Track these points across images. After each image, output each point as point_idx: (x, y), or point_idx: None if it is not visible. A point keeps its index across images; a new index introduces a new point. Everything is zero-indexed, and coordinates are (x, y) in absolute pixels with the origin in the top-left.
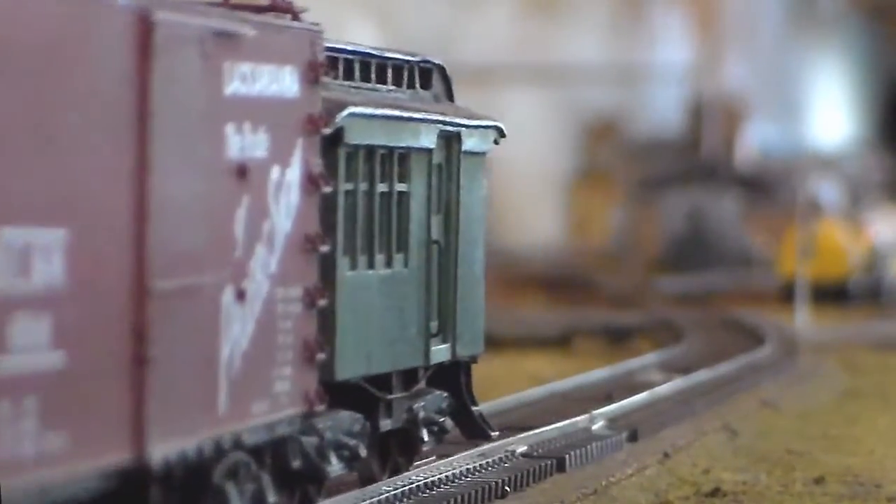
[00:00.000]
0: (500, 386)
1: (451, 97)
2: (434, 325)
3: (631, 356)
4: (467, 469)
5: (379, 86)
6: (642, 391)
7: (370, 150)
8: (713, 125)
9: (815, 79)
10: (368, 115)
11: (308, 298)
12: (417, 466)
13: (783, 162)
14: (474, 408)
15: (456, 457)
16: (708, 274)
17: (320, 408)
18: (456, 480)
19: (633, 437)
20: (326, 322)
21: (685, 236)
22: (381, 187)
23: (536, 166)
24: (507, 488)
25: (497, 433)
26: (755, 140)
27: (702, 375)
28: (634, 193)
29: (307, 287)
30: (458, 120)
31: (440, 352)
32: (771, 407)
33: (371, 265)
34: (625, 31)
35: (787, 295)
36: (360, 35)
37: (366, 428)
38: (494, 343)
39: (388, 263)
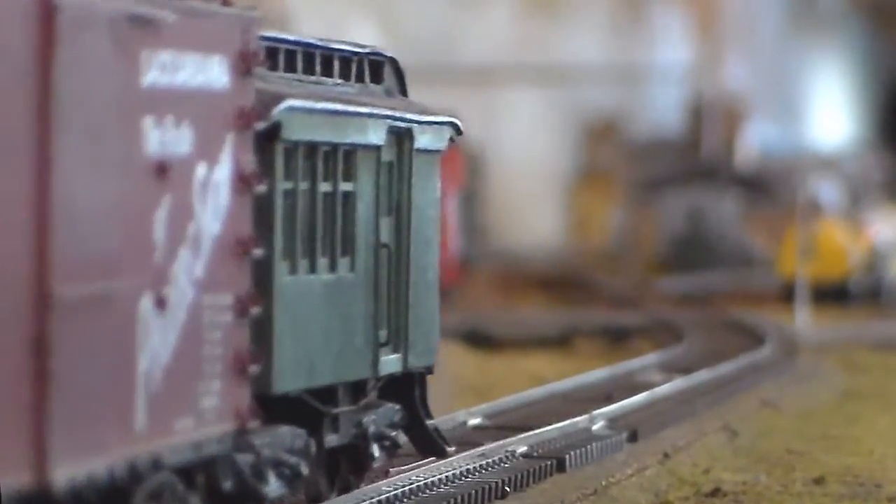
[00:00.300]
0: (500, 386)
1: (404, 92)
2: (383, 333)
3: (631, 356)
4: (467, 469)
5: (324, 79)
6: (642, 391)
7: (312, 146)
8: (713, 125)
9: (815, 79)
10: (309, 109)
11: (240, 306)
12: (418, 465)
13: (783, 162)
14: (429, 421)
15: (456, 457)
16: (708, 274)
17: (253, 424)
18: (456, 480)
19: (633, 438)
20: (262, 331)
21: (685, 236)
22: (325, 186)
23: (536, 166)
24: (507, 488)
25: (453, 448)
26: (755, 140)
27: (702, 375)
28: (634, 193)
29: (239, 294)
30: (409, 116)
31: (390, 362)
32: (771, 407)
33: (313, 270)
34: (625, 31)
35: (787, 295)
36: (360, 35)
37: (309, 444)
38: (494, 343)
39: (333, 268)
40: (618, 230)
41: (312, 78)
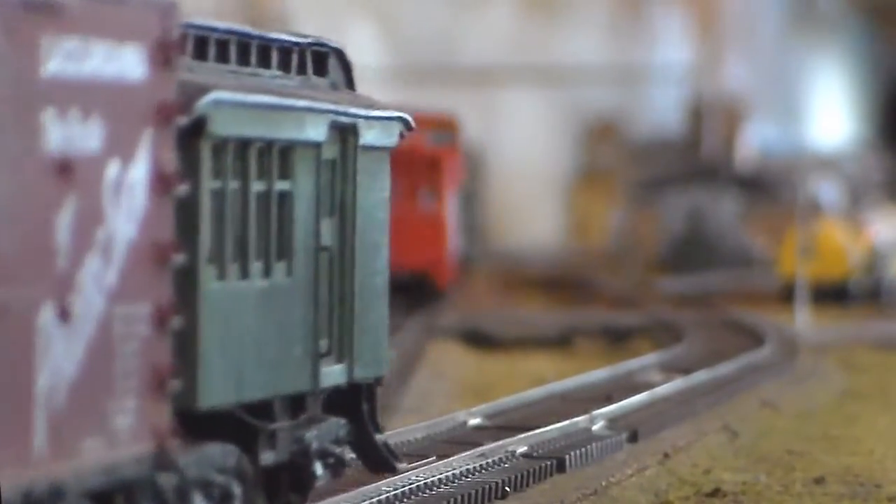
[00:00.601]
0: (500, 386)
1: (351, 85)
2: (324, 343)
3: (631, 356)
4: (467, 469)
5: (261, 70)
6: (642, 391)
7: (243, 142)
8: (713, 125)
9: (815, 79)
10: (239, 103)
11: (159, 316)
12: (418, 466)
13: (783, 162)
14: (378, 436)
15: (456, 457)
16: (708, 274)
17: (174, 443)
18: (456, 481)
19: (633, 438)
20: (186, 342)
21: (685, 236)
22: (258, 186)
23: (536, 166)
24: (507, 489)
25: (404, 464)
26: (755, 140)
27: (702, 375)
28: (634, 194)
29: (158, 303)
30: (354, 110)
31: (333, 374)
32: (771, 407)
33: (244, 275)
34: (625, 31)
35: (787, 295)
36: (359, 35)
37: (241, 463)
38: (494, 343)
39: (267, 273)
40: (618, 230)
41: (248, 70)
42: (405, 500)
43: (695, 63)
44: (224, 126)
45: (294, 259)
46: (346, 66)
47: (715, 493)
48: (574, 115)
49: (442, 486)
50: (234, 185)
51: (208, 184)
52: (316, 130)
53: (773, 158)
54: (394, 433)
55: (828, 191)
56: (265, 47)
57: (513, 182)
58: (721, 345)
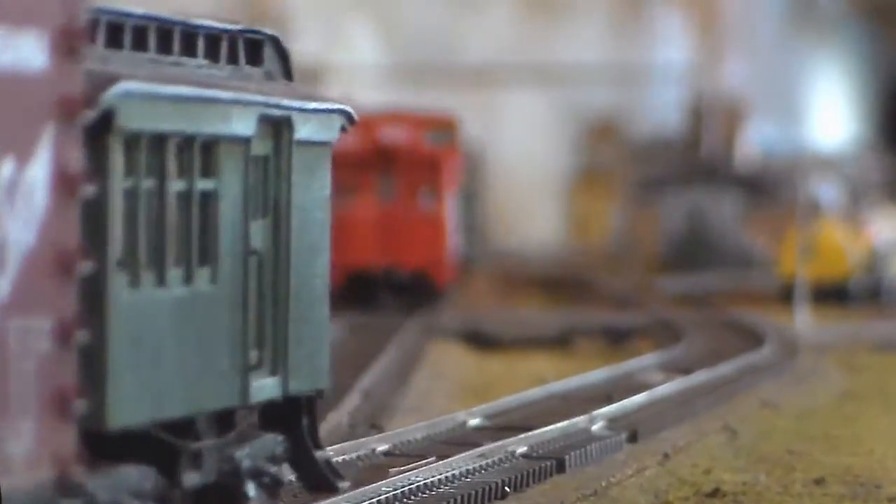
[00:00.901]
0: (500, 386)
1: (289, 75)
2: (255, 354)
3: (631, 356)
4: (467, 469)
5: (185, 59)
6: (642, 391)
7: (159, 138)
8: (713, 125)
9: (815, 79)
10: (154, 94)
11: (61, 331)
12: (418, 466)
13: (783, 162)
14: (318, 453)
15: (456, 457)
16: (708, 274)
17: (79, 468)
18: (456, 481)
19: (633, 438)
20: (93, 358)
21: (685, 236)
22: (178, 185)
23: (536, 166)
24: (507, 489)
25: (346, 484)
26: (755, 140)
27: (702, 375)
28: (634, 193)
29: (60, 317)
30: (288, 102)
31: (265, 388)
32: (771, 407)
33: (161, 283)
34: (625, 31)
35: (787, 295)
36: (359, 35)
37: (160, 485)
38: (494, 343)
39: (188, 280)
40: (618, 230)
41: (170, 59)
42: (405, 500)
43: (695, 63)
44: (136, 119)
45: (219, 264)
46: (283, 55)
47: (715, 493)
48: (574, 114)
49: (442, 486)
50: (148, 184)
51: (118, 183)
52: (244, 124)
53: (773, 158)
54: (394, 433)
55: (828, 191)
56: (190, 35)
57: (513, 182)
58: (721, 345)
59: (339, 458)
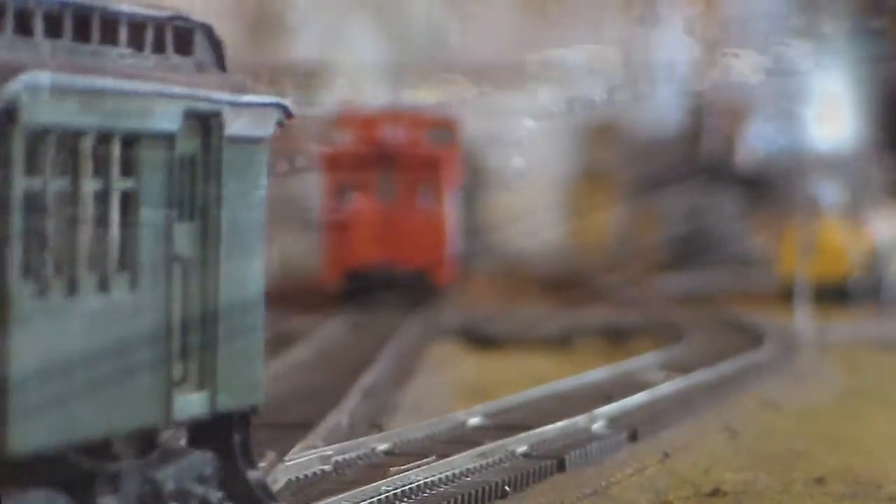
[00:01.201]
0: (500, 386)
1: (222, 66)
2: (179, 368)
3: (631, 356)
4: (467, 469)
5: (105, 48)
6: (642, 391)
7: (71, 133)
8: (713, 125)
9: (815, 78)
10: (64, 86)
11: None
12: (418, 466)
13: (783, 162)
14: (251, 473)
15: (456, 456)
16: (708, 273)
17: None
18: (456, 480)
19: (633, 437)
20: None
21: (685, 236)
22: (93, 185)
23: (537, 166)
24: (507, 488)
25: None
26: (755, 140)
27: (702, 375)
28: (634, 193)
29: None
30: (219, 95)
31: (191, 404)
32: (771, 407)
33: (72, 291)
34: (625, 30)
35: (787, 295)
36: (359, 34)
37: None
38: (494, 343)
39: (104, 288)
40: (618, 230)
41: (89, 47)
42: (405, 499)
43: (695, 62)
44: (43, 113)
45: (139, 271)
46: (215, 45)
47: (715, 492)
48: (574, 114)
49: (442, 485)
50: (58, 183)
51: (21, 183)
52: (167, 119)
53: (774, 158)
54: (394, 432)
55: (828, 191)
56: (110, 21)
57: (513, 181)
58: (721, 344)
59: (340, 458)
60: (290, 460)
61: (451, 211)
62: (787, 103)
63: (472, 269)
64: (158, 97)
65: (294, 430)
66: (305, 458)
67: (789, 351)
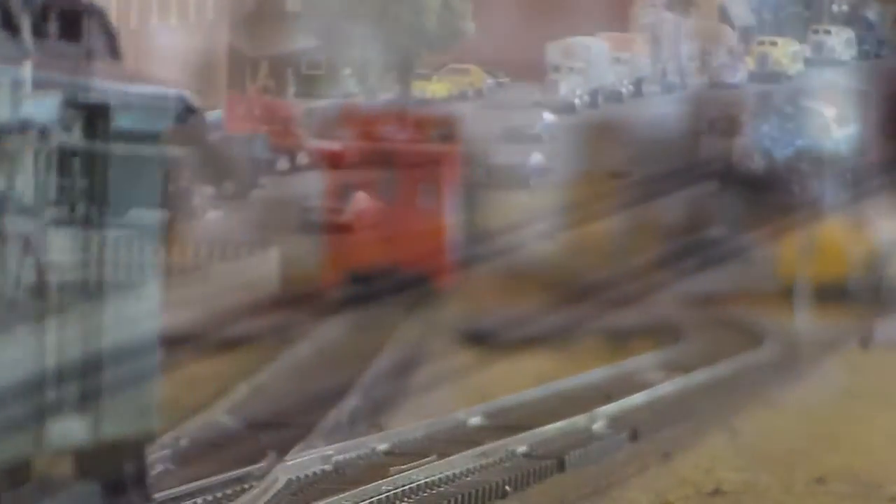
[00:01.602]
0: (500, 386)
1: (115, 54)
2: (54, 394)
3: (631, 356)
4: (467, 469)
5: None
6: (642, 391)
7: None
8: (713, 124)
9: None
10: None
11: None
12: (418, 465)
13: (783, 162)
14: None
15: (456, 456)
16: (708, 273)
17: None
18: (456, 480)
19: (634, 437)
20: None
21: (685, 236)
22: None
23: (536, 165)
24: (507, 488)
25: None
26: (755, 140)
27: (702, 375)
28: (634, 193)
29: None
30: (106, 85)
31: (69, 432)
32: (771, 407)
33: None
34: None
35: (787, 294)
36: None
37: None
38: (494, 343)
39: None
40: (618, 230)
41: None
42: (405, 499)
43: (695, 61)
44: None
45: (5, 283)
46: (108, 31)
47: (716, 492)
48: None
49: (442, 485)
50: None
51: None
52: (41, 109)
53: (774, 158)
54: (394, 432)
55: (828, 190)
56: None
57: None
58: (721, 344)
59: (340, 458)
60: (290, 460)
61: (451, 210)
62: (788, 103)
63: (473, 269)
64: (33, 85)
65: (294, 430)
66: (306, 457)
67: (789, 351)
